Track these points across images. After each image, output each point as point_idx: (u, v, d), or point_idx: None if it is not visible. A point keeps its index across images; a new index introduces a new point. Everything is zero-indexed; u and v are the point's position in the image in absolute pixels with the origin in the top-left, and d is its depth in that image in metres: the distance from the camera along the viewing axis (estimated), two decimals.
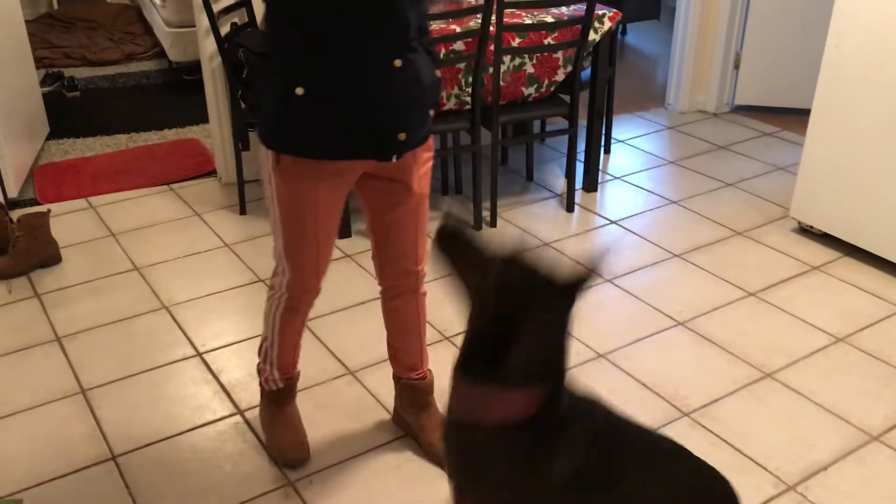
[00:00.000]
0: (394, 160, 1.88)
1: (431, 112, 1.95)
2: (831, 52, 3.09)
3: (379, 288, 2.20)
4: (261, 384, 2.30)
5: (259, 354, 2.27)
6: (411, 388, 2.28)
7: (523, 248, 1.42)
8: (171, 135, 4.47)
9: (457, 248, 1.46)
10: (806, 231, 3.41)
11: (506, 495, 1.52)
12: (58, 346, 2.74)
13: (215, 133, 3.83)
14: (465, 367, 1.47)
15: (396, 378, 2.32)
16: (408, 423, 2.32)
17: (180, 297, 3.01)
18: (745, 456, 2.26)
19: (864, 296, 3.00)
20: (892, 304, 2.95)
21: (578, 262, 1.41)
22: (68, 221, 3.55)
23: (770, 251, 3.31)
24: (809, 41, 4.19)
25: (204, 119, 4.51)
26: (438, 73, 1.96)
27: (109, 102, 4.98)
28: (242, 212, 3.62)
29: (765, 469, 2.22)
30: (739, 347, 2.71)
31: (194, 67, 5.14)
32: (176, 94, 5.09)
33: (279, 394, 2.29)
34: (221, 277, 3.15)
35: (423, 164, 1.98)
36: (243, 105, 3.44)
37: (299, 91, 1.75)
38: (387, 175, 1.94)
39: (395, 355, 2.29)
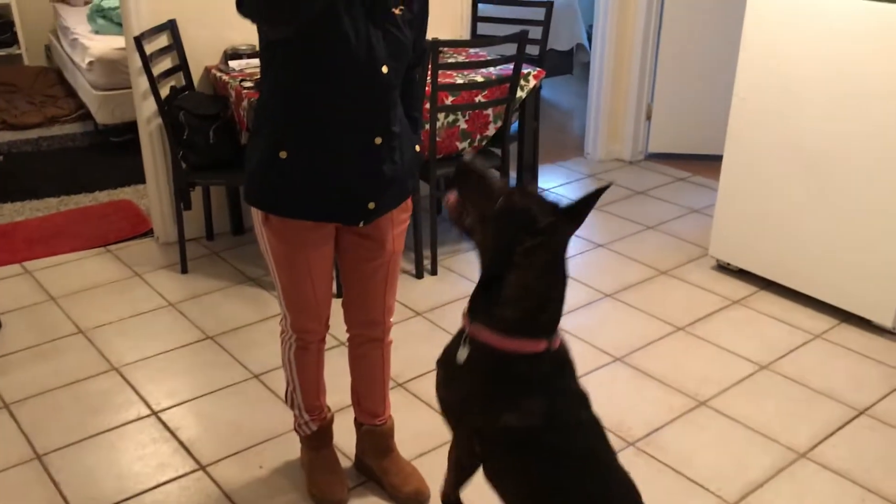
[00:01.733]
0: (361, 225, 2.00)
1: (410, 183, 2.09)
2: (738, 104, 3.38)
3: (346, 335, 2.30)
4: (295, 430, 2.37)
5: (287, 401, 2.33)
6: (373, 434, 2.37)
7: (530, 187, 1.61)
8: (102, 197, 4.46)
9: (470, 180, 1.63)
10: (724, 268, 3.67)
11: (462, 408, 1.70)
12: (7, 413, 2.71)
13: (153, 193, 3.86)
14: (471, 307, 1.65)
15: (358, 424, 2.40)
16: (371, 469, 2.39)
17: (129, 358, 3.02)
18: (689, 479, 2.43)
19: (781, 326, 3.25)
20: (806, 332, 3.20)
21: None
22: (5, 287, 3.51)
23: (693, 288, 3.55)
24: (714, 91, 4.52)
25: (135, 180, 4.53)
26: (418, 147, 2.10)
27: (35, 166, 4.93)
28: (184, 270, 3.65)
29: (707, 490, 2.38)
30: (674, 378, 2.90)
31: (122, 129, 5.17)
32: (104, 157, 5.08)
33: (314, 438, 2.35)
34: (169, 336, 3.17)
35: (398, 224, 2.11)
36: (184, 165, 3.50)
37: (283, 154, 1.87)
38: (363, 231, 2.06)
39: (358, 402, 2.38)
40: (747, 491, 2.38)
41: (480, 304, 1.64)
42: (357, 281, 2.15)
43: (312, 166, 1.90)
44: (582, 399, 1.70)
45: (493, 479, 1.76)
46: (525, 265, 1.55)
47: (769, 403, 2.78)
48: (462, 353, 1.67)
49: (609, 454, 1.71)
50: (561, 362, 1.67)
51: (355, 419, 2.41)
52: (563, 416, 1.63)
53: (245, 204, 3.93)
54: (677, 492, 2.38)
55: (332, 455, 2.39)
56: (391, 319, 2.25)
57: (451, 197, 1.66)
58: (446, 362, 1.72)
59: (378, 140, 1.92)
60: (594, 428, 1.68)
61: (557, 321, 1.65)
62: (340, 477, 2.36)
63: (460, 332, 1.71)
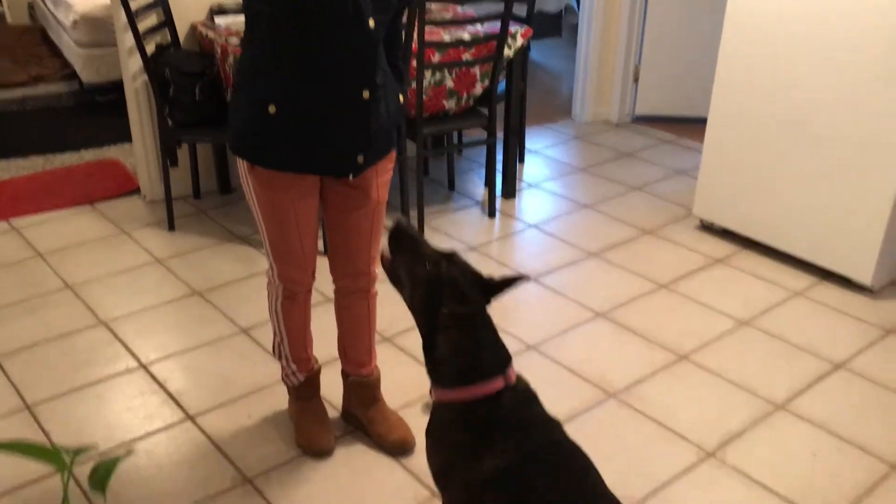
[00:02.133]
0: (351, 178, 2.02)
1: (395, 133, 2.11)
2: (724, 64, 3.40)
3: (332, 287, 2.32)
4: (283, 380, 2.40)
5: (274, 353, 2.37)
6: (360, 385, 2.41)
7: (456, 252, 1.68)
8: (88, 155, 4.44)
9: (404, 242, 1.71)
10: (707, 228, 3.71)
11: (445, 468, 1.72)
12: None
13: (139, 152, 3.86)
14: (428, 371, 1.72)
15: (345, 375, 2.44)
16: (357, 418, 2.44)
17: (117, 313, 3.04)
18: (669, 429, 2.48)
19: (762, 283, 3.30)
20: (787, 289, 3.25)
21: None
22: None
23: (677, 247, 3.59)
24: (702, 55, 4.52)
25: (121, 139, 4.52)
26: (402, 98, 2.12)
27: (20, 125, 4.90)
28: (171, 228, 3.66)
29: (687, 440, 2.44)
30: (656, 334, 2.95)
31: (107, 88, 5.14)
32: (89, 116, 5.05)
33: (301, 388, 2.39)
34: (156, 292, 3.19)
35: (383, 174, 2.13)
36: (170, 122, 3.49)
37: (272, 109, 1.89)
38: (349, 182, 2.08)
39: (344, 352, 2.41)
40: (726, 440, 2.44)
41: (431, 368, 1.72)
42: (343, 231, 2.17)
43: (302, 120, 1.92)
44: (554, 426, 1.72)
45: None
46: (449, 327, 1.64)
47: (749, 358, 2.83)
48: (434, 417, 1.74)
49: (594, 473, 1.70)
50: (524, 395, 1.71)
51: (342, 370, 2.45)
52: (538, 443, 1.66)
53: (231, 162, 3.94)
54: (658, 441, 2.44)
55: (319, 405, 2.43)
56: (376, 270, 2.28)
57: (385, 254, 1.75)
58: (428, 431, 1.77)
59: (366, 94, 1.94)
60: (574, 450, 1.70)
61: (504, 358, 1.69)
62: (327, 426, 2.40)
63: None
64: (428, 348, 1.70)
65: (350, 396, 2.45)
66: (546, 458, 1.64)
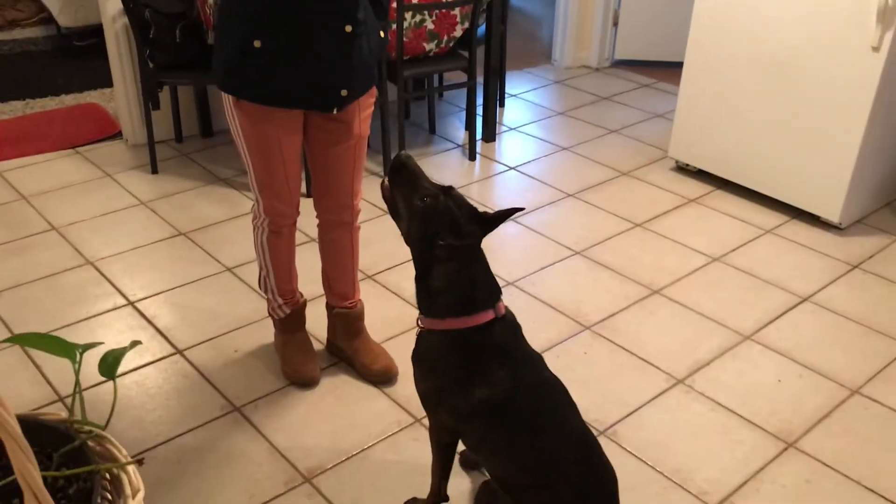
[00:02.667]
0: (335, 112, 2.07)
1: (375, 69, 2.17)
2: (699, 8, 3.44)
3: (316, 222, 2.38)
4: (269, 314, 2.48)
5: (260, 287, 2.44)
6: (344, 316, 2.49)
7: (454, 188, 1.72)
8: (69, 100, 4.44)
9: (404, 175, 1.75)
10: (683, 169, 3.79)
11: (435, 394, 1.82)
12: None
13: (120, 95, 3.86)
14: (418, 304, 1.78)
15: (330, 308, 2.51)
16: (342, 350, 2.52)
17: (103, 253, 3.09)
18: (641, 359, 2.59)
19: (734, 222, 3.39)
20: (758, 227, 3.35)
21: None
22: None
23: (652, 188, 3.67)
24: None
25: (101, 83, 4.51)
26: (382, 34, 2.16)
27: None
28: (154, 171, 3.69)
29: (658, 368, 2.55)
30: (630, 270, 3.05)
31: (85, 32, 5.10)
32: (68, 60, 5.02)
33: (288, 321, 2.46)
34: (142, 233, 3.24)
35: (365, 108, 2.19)
36: (151, 65, 3.50)
37: (257, 44, 1.93)
38: (332, 116, 2.12)
39: (329, 285, 2.48)
40: (695, 368, 2.55)
41: (423, 299, 1.76)
42: (326, 165, 2.22)
43: (287, 55, 1.97)
44: (538, 360, 1.82)
45: (474, 449, 1.89)
46: (445, 259, 1.69)
47: (719, 292, 2.93)
48: (422, 346, 1.80)
49: (574, 410, 1.81)
50: (511, 327, 1.78)
51: (327, 303, 2.52)
52: (528, 378, 1.75)
53: (213, 105, 3.96)
54: (629, 369, 2.55)
55: (304, 337, 2.51)
56: (359, 204, 2.34)
57: (386, 185, 1.78)
58: (416, 357, 1.83)
59: (348, 28, 1.98)
60: (557, 385, 1.80)
61: (495, 292, 1.75)
62: (313, 357, 2.48)
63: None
64: (422, 280, 1.75)
65: (335, 328, 2.53)
66: (534, 393, 1.73)
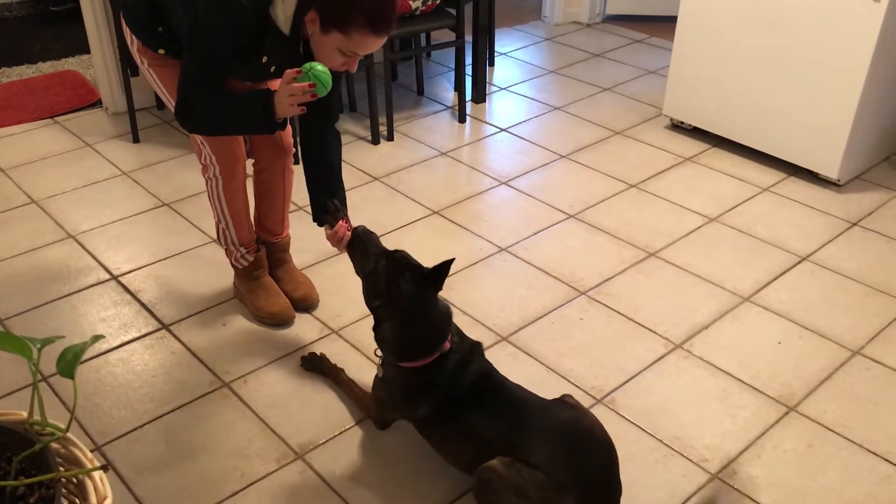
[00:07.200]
0: None
1: None
2: None
3: (251, 161, 2.43)
4: (232, 265, 2.51)
5: (219, 240, 2.46)
6: (270, 246, 2.55)
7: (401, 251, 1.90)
8: (46, 68, 4.31)
9: (357, 246, 2.00)
10: (678, 127, 3.71)
11: (389, 404, 2.05)
12: None
13: (98, 63, 3.74)
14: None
15: (258, 241, 2.55)
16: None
17: (85, 226, 3.01)
18: (638, 323, 2.54)
19: (731, 180, 3.32)
20: (755, 185, 3.28)
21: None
22: None
23: (646, 147, 3.59)
24: None
25: (80, 50, 4.39)
26: None
27: None
28: (136, 140, 3.59)
29: (655, 333, 2.50)
30: (625, 232, 2.98)
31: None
32: (44, 27, 4.87)
33: (252, 267, 2.49)
34: (124, 204, 3.15)
35: None
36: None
37: None
38: None
39: (259, 221, 2.54)
40: (693, 332, 2.50)
41: (378, 344, 1.97)
42: None
43: None
44: (487, 371, 1.95)
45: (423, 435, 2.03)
46: (387, 318, 1.87)
47: (717, 253, 2.87)
48: (380, 371, 2.02)
49: (513, 387, 1.94)
50: (468, 351, 1.93)
51: (257, 238, 2.55)
52: (460, 378, 1.89)
53: None
54: (627, 335, 2.49)
55: (271, 281, 2.55)
56: (292, 146, 2.41)
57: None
58: (379, 377, 2.04)
59: None
60: (489, 369, 1.95)
61: (439, 339, 1.88)
62: (284, 298, 2.52)
63: None
64: (375, 331, 1.93)
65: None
66: (470, 399, 1.88)
